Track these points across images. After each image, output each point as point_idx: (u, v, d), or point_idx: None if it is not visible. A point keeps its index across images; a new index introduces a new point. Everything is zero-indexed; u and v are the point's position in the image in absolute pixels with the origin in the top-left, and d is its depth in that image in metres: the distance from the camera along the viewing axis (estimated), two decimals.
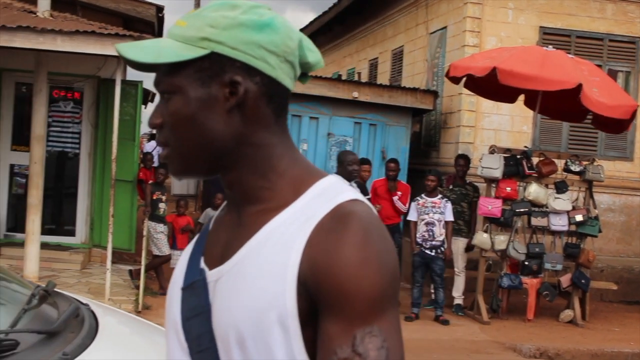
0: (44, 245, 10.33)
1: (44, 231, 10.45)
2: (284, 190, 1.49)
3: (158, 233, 10.93)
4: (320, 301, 1.36)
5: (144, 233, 10.35)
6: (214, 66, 1.47)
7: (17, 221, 11.84)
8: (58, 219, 12.27)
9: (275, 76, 1.49)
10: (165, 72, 1.50)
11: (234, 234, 1.52)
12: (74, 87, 12.01)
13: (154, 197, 10.99)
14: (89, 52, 9.42)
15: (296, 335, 1.39)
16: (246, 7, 1.50)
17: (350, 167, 8.14)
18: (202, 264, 1.56)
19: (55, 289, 3.45)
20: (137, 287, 10.23)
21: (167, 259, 11.00)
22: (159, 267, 11.08)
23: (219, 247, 1.54)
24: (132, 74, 11.37)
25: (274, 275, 1.40)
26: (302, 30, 22.58)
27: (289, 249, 1.40)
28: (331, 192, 1.46)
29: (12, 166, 11.94)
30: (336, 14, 19.10)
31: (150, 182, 11.28)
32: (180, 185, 21.20)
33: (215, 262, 1.52)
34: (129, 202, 11.41)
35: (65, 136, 12.10)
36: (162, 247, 10.94)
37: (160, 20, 12.95)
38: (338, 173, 8.32)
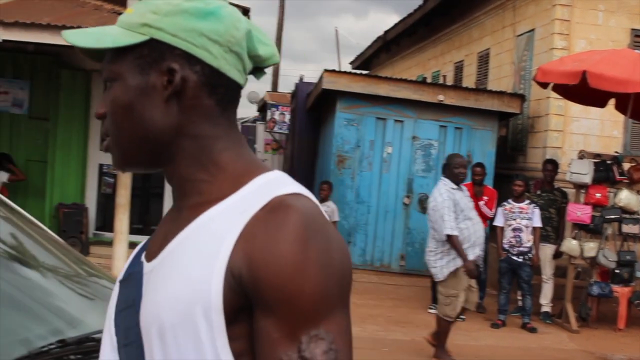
0: (132, 245, 10.46)
1: (132, 230, 10.59)
2: (224, 184, 1.42)
3: None
4: (259, 301, 1.28)
5: None
6: (153, 53, 1.41)
7: (105, 220, 12.06)
8: (145, 218, 12.44)
9: (217, 66, 1.42)
10: (109, 59, 1.45)
11: (172, 227, 1.45)
12: None
13: None
14: None
15: (220, 331, 1.31)
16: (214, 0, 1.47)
17: (456, 170, 8.02)
18: (143, 258, 1.51)
19: None
20: None
21: None
22: None
23: (158, 241, 1.48)
24: None
25: (202, 267, 1.33)
26: (386, 32, 22.53)
27: (220, 240, 1.33)
28: (272, 185, 1.38)
29: (101, 166, 12.16)
30: (421, 16, 18.95)
31: None
32: None
33: (153, 255, 1.47)
34: None
35: None
36: None
37: None
38: (445, 176, 8.25)
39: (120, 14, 10.48)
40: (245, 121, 33.09)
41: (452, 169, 8.10)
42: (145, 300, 1.42)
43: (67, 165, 11.90)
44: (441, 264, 7.99)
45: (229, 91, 1.46)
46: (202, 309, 1.31)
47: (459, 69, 18.16)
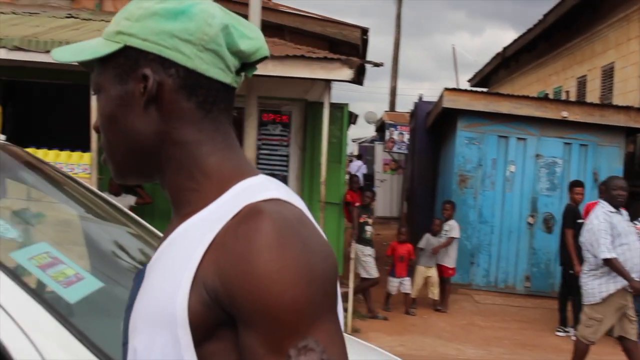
0: None
1: None
2: (210, 192, 1.36)
3: (366, 256, 10.92)
4: (238, 316, 1.21)
5: (352, 256, 10.37)
6: (128, 61, 1.38)
7: None
8: None
9: (192, 66, 1.36)
10: (95, 72, 1.43)
11: (165, 237, 1.41)
12: (282, 111, 12.25)
13: (361, 220, 11.01)
14: (298, 76, 9.58)
15: (187, 349, 1.24)
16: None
17: (615, 192, 7.77)
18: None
19: None
20: (346, 310, 10.24)
21: (375, 282, 10.98)
22: (367, 290, 11.06)
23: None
24: (338, 97, 11.46)
25: (171, 279, 1.27)
26: (505, 48, 22.18)
27: (191, 252, 1.27)
28: (250, 191, 1.31)
29: None
30: (541, 30, 18.60)
31: (357, 204, 11.31)
32: (383, 207, 21.25)
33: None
34: (336, 224, 11.49)
35: (274, 159, 12.35)
36: (370, 269, 10.93)
37: (365, 43, 13.01)
38: (603, 198, 8.05)
39: None
40: (363, 141, 33.19)
41: (611, 191, 7.87)
42: (134, 304, 1.40)
43: None
44: (593, 286, 7.77)
45: (212, 92, 1.39)
46: (168, 325, 1.26)
47: (581, 84, 17.70)
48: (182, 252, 1.29)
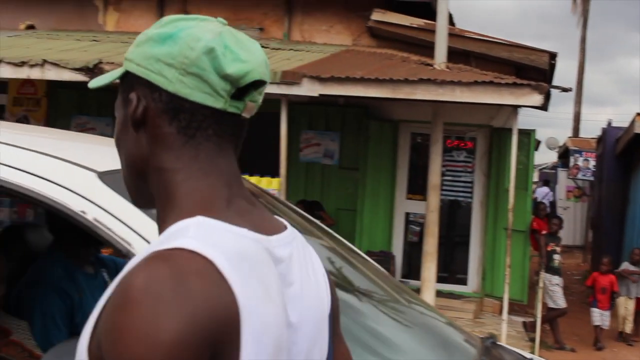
0: (438, 293, 10.48)
1: (437, 279, 10.61)
2: (170, 225, 1.29)
3: (553, 285, 10.66)
4: None
5: (540, 285, 10.13)
6: (128, 86, 1.39)
7: (411, 268, 12.18)
8: (450, 267, 12.43)
9: (173, 90, 1.32)
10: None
11: None
12: (467, 137, 12.17)
13: (549, 249, 10.75)
14: (486, 102, 9.48)
15: None
16: (167, 21, 1.39)
17: None
18: None
19: (496, 342, 3.37)
20: (532, 340, 10.01)
21: (562, 312, 10.70)
22: (554, 321, 10.78)
23: None
24: (524, 123, 11.28)
25: (90, 320, 1.26)
26: None
27: (106, 294, 1.26)
28: (172, 235, 1.24)
29: (407, 214, 12.33)
30: None
31: (544, 232, 11.05)
32: (566, 236, 20.66)
33: None
34: (522, 252, 11.28)
35: (458, 185, 12.27)
36: (558, 299, 10.65)
37: (552, 67, 12.73)
38: None
39: (426, 64, 10.69)
40: (544, 167, 32.41)
41: None
42: None
43: (375, 214, 12.18)
44: None
45: (197, 117, 1.34)
46: None
47: None
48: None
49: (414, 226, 12.27)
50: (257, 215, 1.38)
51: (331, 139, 12.45)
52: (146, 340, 1.10)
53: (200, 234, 1.23)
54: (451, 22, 11.71)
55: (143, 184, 1.41)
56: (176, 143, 1.35)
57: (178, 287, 1.14)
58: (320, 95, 9.63)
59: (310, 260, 1.49)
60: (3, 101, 13.04)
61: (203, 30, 1.35)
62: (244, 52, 1.35)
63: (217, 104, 1.33)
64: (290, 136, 10.01)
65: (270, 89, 9.58)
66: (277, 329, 1.27)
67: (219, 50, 1.32)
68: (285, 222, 1.47)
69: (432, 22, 10.86)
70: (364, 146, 12.19)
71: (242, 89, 1.34)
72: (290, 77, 9.52)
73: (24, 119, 12.85)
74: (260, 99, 1.40)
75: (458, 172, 12.24)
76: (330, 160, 12.47)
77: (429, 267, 10.13)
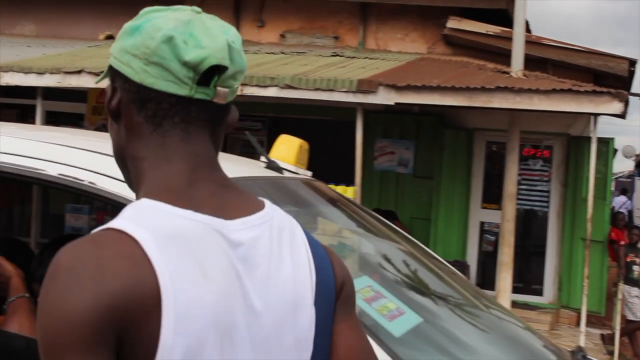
0: (514, 304, 10.36)
1: (512, 289, 10.50)
2: None
3: (632, 297, 10.45)
4: None
5: (618, 296, 9.94)
6: (111, 79, 1.45)
7: (484, 278, 12.08)
8: (525, 277, 12.29)
9: (139, 80, 1.37)
10: None
11: None
12: (543, 145, 12.03)
13: (628, 260, 10.55)
14: (564, 110, 9.36)
15: None
16: (141, 13, 1.44)
17: None
18: None
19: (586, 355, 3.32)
20: (610, 353, 9.84)
21: None
22: (633, 333, 10.57)
23: None
24: (603, 131, 11.09)
25: None
26: None
27: None
28: (119, 215, 1.31)
29: (482, 224, 12.23)
30: None
31: (623, 243, 10.85)
32: None
33: None
34: (599, 263, 11.11)
35: (534, 194, 12.13)
36: (637, 311, 10.44)
37: (631, 75, 12.50)
38: None
39: (503, 72, 10.59)
40: (620, 176, 31.83)
41: None
42: None
43: (450, 223, 12.12)
44: None
45: (163, 105, 1.38)
46: None
47: None
48: None
49: (489, 235, 12.17)
50: (223, 199, 1.40)
51: (406, 148, 12.42)
52: (54, 312, 1.19)
53: (134, 214, 1.30)
54: (527, 29, 11.59)
55: (127, 172, 1.48)
56: (145, 132, 1.40)
57: (92, 266, 1.21)
58: (396, 103, 9.62)
59: (288, 244, 1.45)
60: (82, 110, 13.31)
61: (167, 20, 1.39)
62: (207, 39, 1.37)
63: (182, 91, 1.36)
64: (365, 144, 10.01)
65: (347, 97, 9.67)
66: (216, 309, 1.28)
67: (178, 38, 1.36)
68: (267, 206, 1.46)
69: (508, 30, 10.77)
70: (439, 154, 12.14)
71: (206, 76, 1.36)
72: (366, 86, 9.53)
73: (102, 128, 13.12)
74: (234, 84, 1.43)
75: (534, 181, 12.11)
76: (405, 168, 12.44)
77: (505, 277, 10.02)
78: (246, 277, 1.35)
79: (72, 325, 1.17)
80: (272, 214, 1.45)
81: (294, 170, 3.29)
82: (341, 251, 3.01)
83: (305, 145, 3.47)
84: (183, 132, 1.40)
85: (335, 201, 3.35)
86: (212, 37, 1.38)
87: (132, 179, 1.46)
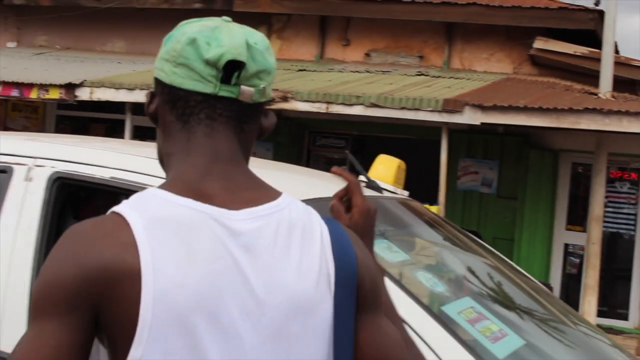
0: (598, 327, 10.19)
1: (596, 312, 10.34)
2: None
3: None
4: None
5: None
6: (154, 88, 1.56)
7: (568, 300, 11.91)
8: (610, 300, 12.08)
9: (169, 82, 1.48)
10: None
11: None
12: (630, 168, 11.85)
13: None
14: None
15: None
16: (179, 25, 1.55)
17: None
18: None
19: None
20: None
21: None
22: None
23: None
24: None
25: None
26: None
27: None
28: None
29: (566, 246, 12.08)
30: None
31: None
32: None
33: None
34: None
35: (620, 217, 11.94)
36: None
37: None
38: None
39: (590, 93, 10.48)
40: None
41: None
42: None
43: (533, 244, 11.99)
44: None
45: (190, 103, 1.47)
46: None
47: None
48: None
49: (573, 258, 12.01)
50: (235, 192, 1.46)
51: (490, 168, 12.36)
52: (42, 277, 1.36)
53: (134, 200, 1.42)
54: (616, 50, 11.46)
55: (166, 171, 1.56)
56: (175, 129, 1.51)
57: (82, 242, 1.36)
58: (482, 123, 9.61)
59: (299, 236, 1.46)
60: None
61: (193, 27, 1.51)
62: (227, 39, 1.47)
63: (207, 89, 1.46)
64: (448, 163, 10.01)
65: (432, 117, 9.71)
66: (200, 292, 1.34)
67: (201, 40, 1.47)
68: (281, 198, 1.49)
69: (596, 50, 10.68)
70: (524, 175, 12.04)
71: (228, 73, 1.46)
72: (451, 105, 9.55)
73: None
74: (260, 83, 1.50)
75: (620, 204, 11.92)
76: (488, 188, 12.37)
77: (589, 300, 9.90)
78: (248, 266, 1.39)
79: (51, 289, 1.34)
80: (284, 205, 1.48)
81: (393, 190, 3.35)
82: (441, 272, 3.06)
83: (403, 165, 3.53)
84: (207, 127, 1.48)
85: (433, 221, 3.40)
86: (232, 37, 1.48)
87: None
